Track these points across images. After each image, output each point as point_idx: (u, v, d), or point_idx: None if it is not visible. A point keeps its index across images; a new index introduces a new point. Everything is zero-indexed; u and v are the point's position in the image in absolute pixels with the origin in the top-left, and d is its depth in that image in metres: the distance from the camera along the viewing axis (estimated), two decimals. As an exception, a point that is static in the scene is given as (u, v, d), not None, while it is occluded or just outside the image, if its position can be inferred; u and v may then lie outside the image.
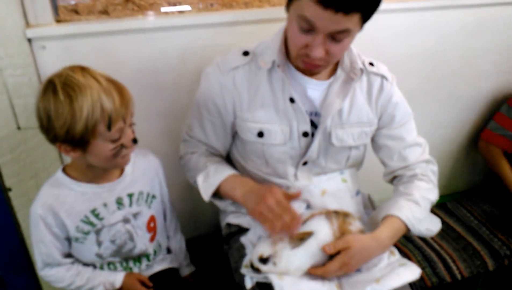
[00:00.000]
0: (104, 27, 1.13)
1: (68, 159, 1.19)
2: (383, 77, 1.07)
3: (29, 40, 1.08)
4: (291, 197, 0.99)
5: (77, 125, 0.81)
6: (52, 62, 1.12)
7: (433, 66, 1.52)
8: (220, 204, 1.07)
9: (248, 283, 0.96)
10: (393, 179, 1.16)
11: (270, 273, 0.92)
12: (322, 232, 0.95)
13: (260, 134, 1.03)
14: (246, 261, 1.00)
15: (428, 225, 1.05)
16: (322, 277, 0.94)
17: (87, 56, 1.14)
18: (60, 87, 0.82)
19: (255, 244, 1.00)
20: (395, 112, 1.09)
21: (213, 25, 1.22)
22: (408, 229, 1.02)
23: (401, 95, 1.11)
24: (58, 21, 1.14)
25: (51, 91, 0.82)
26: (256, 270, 0.94)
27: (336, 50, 0.89)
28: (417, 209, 1.03)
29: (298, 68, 0.99)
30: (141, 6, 1.21)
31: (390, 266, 0.97)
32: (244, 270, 0.98)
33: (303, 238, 0.94)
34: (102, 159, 0.89)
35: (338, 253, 0.93)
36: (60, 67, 1.10)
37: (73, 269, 1.00)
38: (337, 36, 0.86)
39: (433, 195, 1.09)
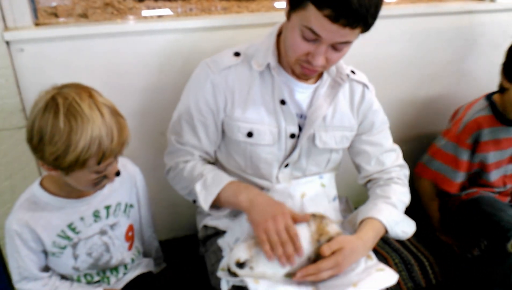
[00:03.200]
0: (82, 30, 1.14)
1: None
2: (364, 85, 1.11)
3: (7, 43, 1.09)
4: (298, 219, 0.97)
5: (68, 157, 0.79)
6: (30, 64, 1.13)
7: (411, 72, 1.55)
8: (215, 213, 1.06)
9: (224, 286, 0.96)
10: (368, 182, 1.19)
11: (246, 277, 0.92)
12: (301, 236, 0.96)
13: (250, 134, 1.04)
14: (222, 264, 1.00)
15: (404, 228, 1.07)
16: (298, 282, 0.94)
17: (65, 59, 1.15)
18: (62, 112, 0.78)
19: (232, 247, 1.01)
20: (375, 119, 1.13)
21: (191, 30, 1.23)
22: (386, 231, 1.04)
23: (379, 104, 1.15)
24: (37, 24, 1.15)
25: (52, 112, 0.78)
26: (233, 274, 0.94)
27: (335, 58, 0.94)
28: (395, 211, 1.07)
29: (293, 72, 1.01)
30: (121, 10, 1.22)
31: (367, 271, 0.97)
32: (220, 273, 0.98)
33: None
34: (80, 184, 0.89)
35: (317, 257, 0.95)
36: (37, 70, 1.13)
37: (50, 285, 0.98)
38: (338, 46, 0.90)
39: (407, 198, 1.14)
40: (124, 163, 1.06)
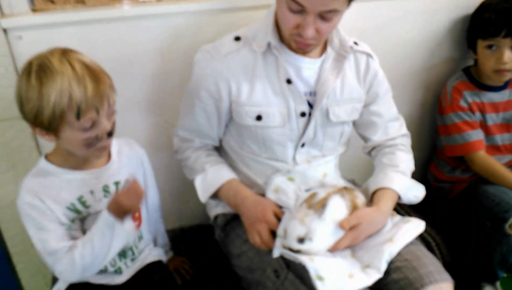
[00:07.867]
0: (80, 16, 1.11)
1: (47, 148, 1.18)
2: (368, 55, 1.11)
3: (5, 31, 1.06)
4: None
5: (44, 111, 0.81)
6: (29, 52, 1.05)
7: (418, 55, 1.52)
8: (212, 202, 1.12)
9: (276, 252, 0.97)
10: (372, 149, 1.22)
11: (305, 254, 0.93)
12: (340, 209, 0.98)
13: (259, 118, 1.04)
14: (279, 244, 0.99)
15: (415, 192, 1.11)
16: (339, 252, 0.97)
17: (64, 45, 1.12)
18: (34, 70, 0.81)
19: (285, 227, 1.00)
20: (380, 89, 1.14)
21: (191, 13, 1.20)
22: (399, 198, 1.08)
23: (383, 73, 1.15)
24: (34, 10, 1.12)
25: (26, 73, 0.82)
26: (296, 251, 0.94)
27: (326, 28, 0.93)
28: (405, 179, 1.11)
29: (291, 48, 1.01)
30: (118, -6, 1.19)
31: (397, 226, 1.01)
32: (280, 252, 0.97)
33: (324, 204, 0.95)
34: (74, 147, 0.88)
35: None
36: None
37: (79, 246, 0.91)
38: (326, 16, 0.90)
39: (412, 165, 1.18)
40: (130, 143, 1.06)
